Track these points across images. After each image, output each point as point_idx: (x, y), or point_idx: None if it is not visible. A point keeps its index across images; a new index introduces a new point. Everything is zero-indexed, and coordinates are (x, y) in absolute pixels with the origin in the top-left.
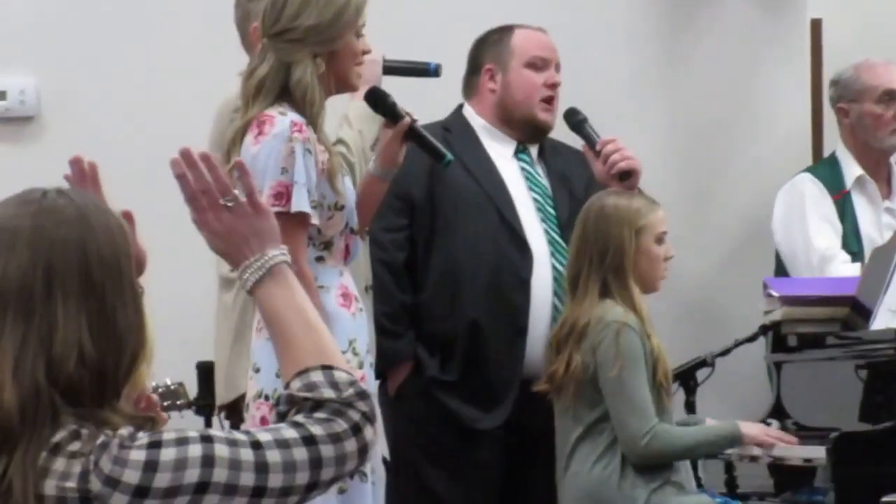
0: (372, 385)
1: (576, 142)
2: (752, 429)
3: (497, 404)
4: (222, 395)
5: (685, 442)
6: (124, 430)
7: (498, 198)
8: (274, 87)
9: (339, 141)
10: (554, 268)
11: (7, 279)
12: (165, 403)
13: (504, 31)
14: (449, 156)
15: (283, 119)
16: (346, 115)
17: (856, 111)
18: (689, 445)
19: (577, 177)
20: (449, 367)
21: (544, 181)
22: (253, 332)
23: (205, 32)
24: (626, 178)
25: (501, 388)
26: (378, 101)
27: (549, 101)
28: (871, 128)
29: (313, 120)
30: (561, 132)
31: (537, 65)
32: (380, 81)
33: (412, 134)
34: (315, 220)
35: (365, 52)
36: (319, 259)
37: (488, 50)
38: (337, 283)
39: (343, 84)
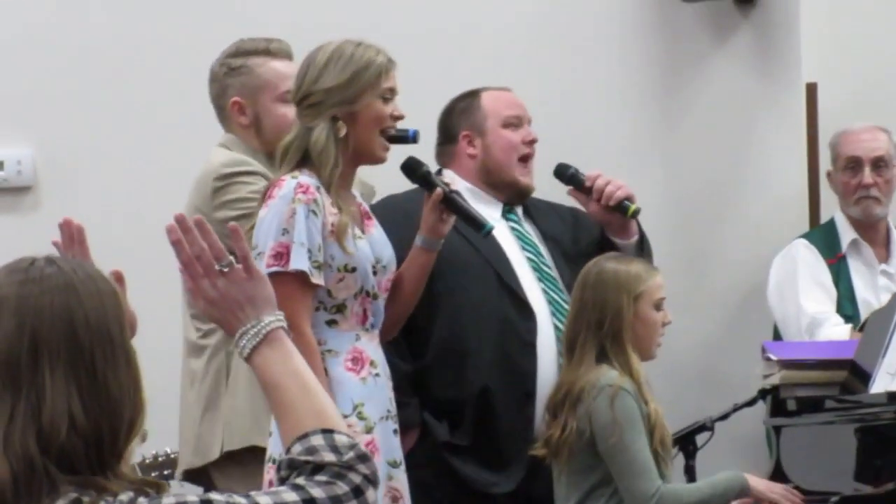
0: (397, 451)
1: (553, 194)
2: (759, 483)
3: (510, 468)
4: (189, 460)
5: (693, 498)
6: (124, 496)
7: (495, 261)
8: (296, 153)
9: None
10: (556, 327)
11: None
12: (166, 472)
13: (471, 96)
14: (490, 224)
15: (290, 181)
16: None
17: (833, 177)
18: (698, 501)
19: (563, 233)
20: (460, 433)
21: (535, 240)
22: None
23: (201, 103)
24: (628, 206)
25: (513, 452)
26: (412, 170)
27: (525, 159)
28: (841, 195)
29: (329, 180)
30: (544, 182)
31: (513, 123)
32: None
33: (448, 203)
34: (317, 281)
35: (396, 118)
36: (332, 322)
37: (460, 116)
38: (349, 347)
39: (367, 151)
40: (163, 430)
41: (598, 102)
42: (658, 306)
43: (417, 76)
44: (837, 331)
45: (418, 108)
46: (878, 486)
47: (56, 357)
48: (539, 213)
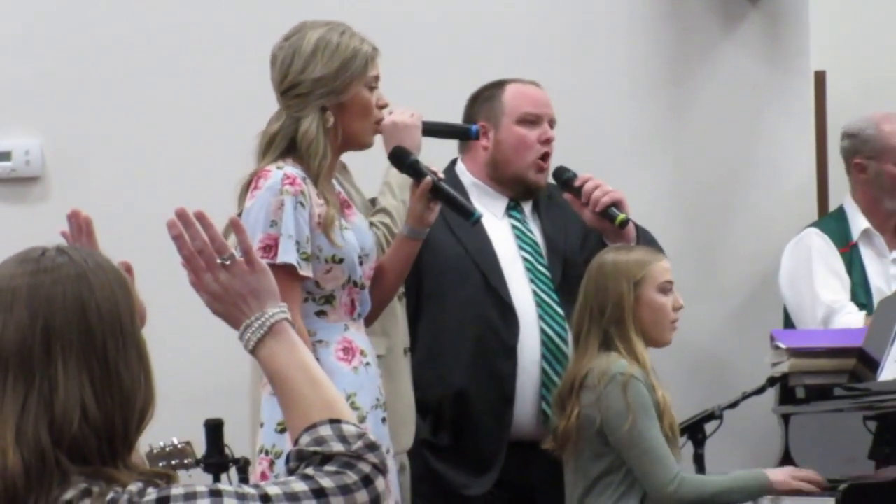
0: (386, 439)
1: None
2: (779, 475)
3: (486, 471)
4: None
5: (714, 487)
6: (134, 487)
7: (484, 262)
8: (282, 143)
9: (383, 210)
10: (542, 331)
11: (6, 341)
12: (173, 462)
13: (496, 87)
14: (477, 212)
15: (277, 172)
16: (389, 182)
17: (874, 169)
18: (719, 490)
19: (573, 226)
20: (440, 433)
21: (537, 238)
22: (260, 387)
23: (210, 94)
24: (615, 214)
25: (490, 455)
26: (400, 159)
27: (543, 158)
28: (889, 188)
29: (317, 172)
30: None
31: (530, 121)
32: (419, 145)
33: (436, 192)
34: (305, 273)
35: (381, 106)
36: (321, 313)
37: (480, 106)
38: (339, 337)
39: (354, 140)
40: (170, 422)
41: (607, 92)
42: (664, 290)
43: (424, 67)
44: (853, 318)
45: (422, 100)
46: (887, 474)
47: (68, 348)
48: (552, 207)
